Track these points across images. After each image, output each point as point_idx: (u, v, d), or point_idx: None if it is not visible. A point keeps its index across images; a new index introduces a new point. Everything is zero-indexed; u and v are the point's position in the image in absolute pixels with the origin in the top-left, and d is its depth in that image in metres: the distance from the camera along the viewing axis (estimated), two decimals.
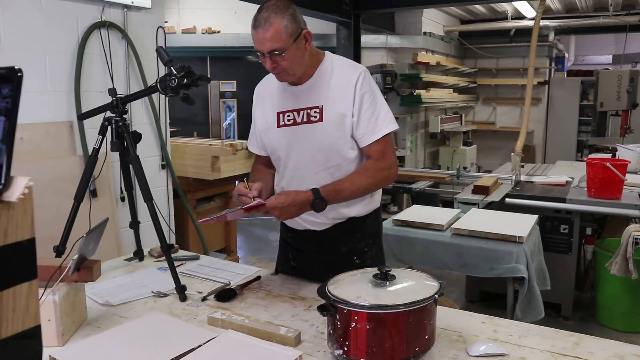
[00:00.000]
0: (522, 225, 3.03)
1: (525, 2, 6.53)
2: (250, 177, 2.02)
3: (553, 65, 8.79)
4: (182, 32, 6.46)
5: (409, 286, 1.39)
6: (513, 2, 6.79)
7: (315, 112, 1.79)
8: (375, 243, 2.00)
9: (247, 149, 4.33)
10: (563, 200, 3.68)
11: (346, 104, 1.77)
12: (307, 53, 1.74)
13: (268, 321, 1.63)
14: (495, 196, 3.86)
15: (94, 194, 3.12)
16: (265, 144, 1.96)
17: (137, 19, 3.40)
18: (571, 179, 4.21)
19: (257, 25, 1.66)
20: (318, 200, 1.70)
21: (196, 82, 1.83)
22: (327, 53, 1.87)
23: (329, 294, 1.35)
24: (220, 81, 7.03)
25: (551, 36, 8.09)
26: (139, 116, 3.48)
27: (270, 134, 1.91)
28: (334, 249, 1.93)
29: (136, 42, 3.37)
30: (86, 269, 1.55)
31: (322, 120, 1.79)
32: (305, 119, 1.81)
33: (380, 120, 1.79)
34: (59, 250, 1.92)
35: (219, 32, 6.43)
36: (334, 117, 1.78)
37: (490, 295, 4.14)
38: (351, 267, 1.67)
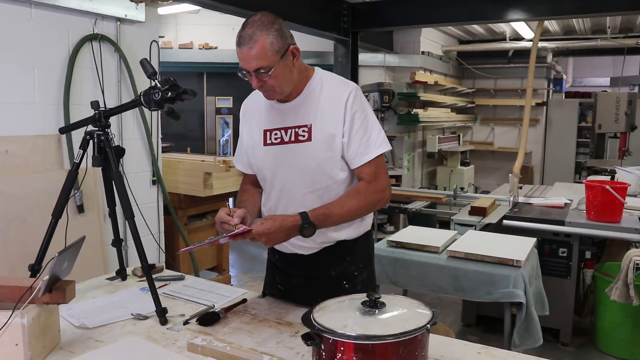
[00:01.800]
0: (519, 248, 2.96)
1: (524, 23, 6.52)
2: (238, 197, 1.96)
3: (551, 86, 8.79)
4: (179, 47, 6.43)
5: (400, 315, 1.31)
6: (511, 23, 6.80)
7: (303, 131, 1.71)
8: (366, 267, 1.91)
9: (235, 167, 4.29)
10: (562, 223, 3.61)
11: (336, 124, 1.69)
12: (295, 69, 1.67)
13: (252, 348, 1.54)
14: (492, 218, 3.79)
15: (80, 209, 3.04)
16: (251, 162, 1.88)
17: (130, 32, 3.35)
18: (570, 201, 4.15)
19: (242, 43, 1.58)
20: (307, 225, 1.61)
21: (181, 95, 1.76)
22: (317, 69, 1.79)
23: (314, 322, 1.27)
24: (217, 97, 6.98)
25: (549, 58, 8.10)
26: (129, 130, 3.42)
27: (257, 153, 1.83)
28: (322, 273, 1.84)
29: (129, 56, 3.32)
30: (58, 290, 1.47)
31: (310, 140, 1.71)
32: (293, 138, 1.73)
33: (372, 140, 1.71)
34: (34, 269, 1.84)
35: (216, 47, 6.41)
36: (323, 136, 1.70)
37: (487, 319, 4.04)
38: (341, 292, 1.58)
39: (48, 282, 1.42)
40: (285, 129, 1.74)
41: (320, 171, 1.72)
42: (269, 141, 1.78)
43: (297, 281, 1.89)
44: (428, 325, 1.26)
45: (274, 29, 1.58)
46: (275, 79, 1.61)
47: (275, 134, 1.76)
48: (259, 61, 1.57)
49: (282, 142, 1.75)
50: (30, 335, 1.40)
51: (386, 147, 1.74)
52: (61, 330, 1.60)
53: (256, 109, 1.84)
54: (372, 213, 1.91)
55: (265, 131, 1.79)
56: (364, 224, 1.87)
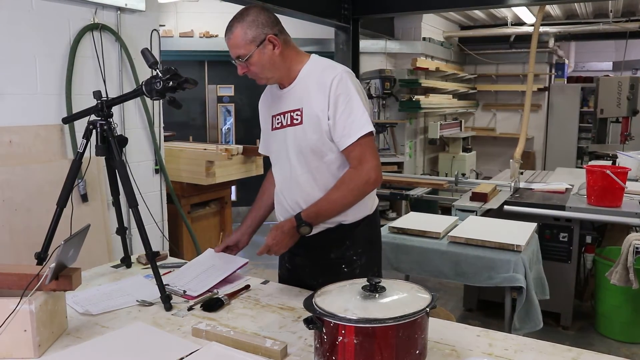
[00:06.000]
0: (520, 233, 2.98)
1: (525, 8, 6.48)
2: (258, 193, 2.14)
3: (553, 71, 8.75)
4: (180, 36, 6.40)
5: (400, 298, 1.33)
6: (512, 8, 6.76)
7: (297, 114, 1.82)
8: (366, 252, 1.94)
9: (242, 153, 4.32)
10: (562, 208, 3.63)
11: (322, 106, 1.76)
12: (277, 57, 1.77)
13: (255, 333, 1.58)
14: (493, 203, 3.80)
15: (84, 198, 3.07)
16: (267, 146, 2.04)
17: (130, 21, 3.35)
18: (571, 186, 4.16)
19: (225, 34, 1.76)
20: (303, 225, 1.76)
21: (182, 84, 1.78)
22: (313, 56, 1.88)
23: (315, 306, 1.30)
24: (218, 85, 6.97)
25: (551, 42, 8.06)
26: (132, 120, 3.43)
27: (268, 137, 1.98)
28: (322, 255, 1.91)
29: (130, 45, 3.32)
30: (65, 278, 1.49)
31: (302, 123, 1.80)
32: (289, 122, 1.84)
33: (356, 123, 1.75)
34: (40, 257, 1.86)
35: (216, 36, 6.38)
36: (312, 119, 1.79)
37: (488, 304, 4.08)
38: (340, 275, 1.69)
39: (55, 270, 1.44)
40: (284, 113, 1.86)
41: (311, 152, 1.81)
42: (274, 126, 1.91)
43: (301, 261, 1.97)
44: (427, 309, 1.28)
45: (249, 20, 1.73)
46: (254, 66, 1.75)
47: (278, 119, 1.88)
48: (236, 50, 1.74)
49: (282, 126, 1.87)
50: (38, 322, 1.43)
51: (369, 128, 1.77)
52: (68, 317, 1.64)
53: (268, 97, 1.98)
54: (374, 199, 1.96)
55: (272, 116, 1.92)
56: (364, 208, 1.90)
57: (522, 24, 7.65)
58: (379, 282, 1.34)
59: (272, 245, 1.77)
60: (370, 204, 1.93)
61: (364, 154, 1.77)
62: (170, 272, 2.10)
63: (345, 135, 1.75)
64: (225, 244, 2.08)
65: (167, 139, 4.25)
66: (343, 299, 1.32)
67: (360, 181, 1.78)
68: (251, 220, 2.11)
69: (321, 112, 1.76)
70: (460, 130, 7.96)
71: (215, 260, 2.08)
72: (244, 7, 1.78)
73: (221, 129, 7.13)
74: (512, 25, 7.71)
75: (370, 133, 1.77)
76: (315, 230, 1.85)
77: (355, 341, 1.23)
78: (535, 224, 3.20)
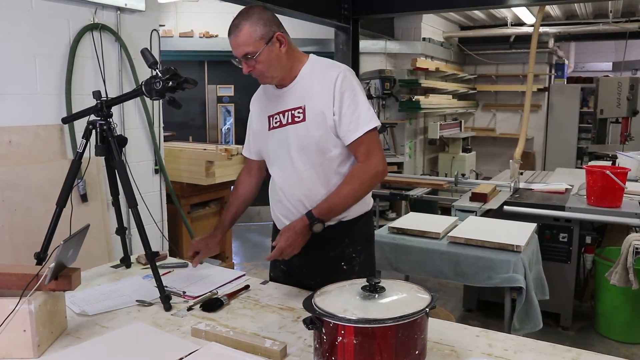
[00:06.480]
0: (520, 233, 2.98)
1: (525, 8, 6.48)
2: (230, 198, 2.16)
3: (553, 71, 8.75)
4: (180, 36, 6.40)
5: (399, 299, 1.33)
6: (512, 8, 6.76)
7: (298, 112, 1.82)
8: (365, 250, 1.95)
9: (242, 154, 4.32)
10: (562, 209, 3.63)
11: (327, 103, 1.78)
12: (283, 55, 1.78)
13: (254, 333, 1.57)
14: (493, 204, 3.80)
15: (84, 198, 3.06)
16: (260, 147, 2.02)
17: (130, 21, 3.35)
18: (571, 187, 4.16)
19: (230, 33, 1.74)
20: (315, 222, 1.75)
21: (182, 84, 1.78)
22: (312, 56, 1.90)
23: (315, 306, 1.30)
24: (218, 85, 6.97)
25: (551, 43, 8.05)
26: (131, 120, 3.43)
27: (263, 138, 1.96)
28: (321, 254, 1.91)
29: (129, 45, 3.32)
30: (64, 278, 1.49)
31: (305, 120, 1.81)
32: (290, 120, 1.84)
33: (362, 117, 1.78)
34: (40, 257, 1.86)
35: (216, 36, 6.38)
36: (315, 116, 1.80)
37: (488, 304, 4.08)
38: (339, 273, 1.68)
39: (54, 270, 1.44)
40: (283, 112, 1.86)
41: (314, 149, 1.82)
42: (271, 126, 1.90)
43: (298, 261, 1.94)
44: (427, 309, 1.28)
45: (256, 17, 1.72)
46: (262, 63, 1.74)
47: (276, 118, 1.88)
48: (245, 47, 1.72)
49: (281, 124, 1.86)
50: (37, 322, 1.42)
51: (375, 122, 1.81)
52: (68, 317, 1.64)
53: (262, 98, 1.97)
54: (372, 198, 1.98)
55: (268, 117, 1.91)
56: (363, 205, 1.93)
57: (522, 24, 7.65)
58: (379, 283, 1.34)
59: (285, 248, 1.73)
60: (368, 200, 1.96)
61: (370, 147, 1.80)
62: (169, 272, 2.10)
63: (352, 130, 1.78)
64: (204, 253, 2.03)
65: (166, 139, 4.25)
66: (342, 299, 1.32)
67: (370, 174, 1.81)
68: (229, 223, 2.11)
69: (326, 109, 1.77)
70: (460, 130, 7.96)
71: (210, 272, 2.09)
72: (245, 6, 1.78)
73: (221, 129, 7.14)
74: (512, 25, 7.71)
75: (376, 128, 1.81)
76: None
77: (354, 341, 1.23)
78: (535, 224, 3.20)
